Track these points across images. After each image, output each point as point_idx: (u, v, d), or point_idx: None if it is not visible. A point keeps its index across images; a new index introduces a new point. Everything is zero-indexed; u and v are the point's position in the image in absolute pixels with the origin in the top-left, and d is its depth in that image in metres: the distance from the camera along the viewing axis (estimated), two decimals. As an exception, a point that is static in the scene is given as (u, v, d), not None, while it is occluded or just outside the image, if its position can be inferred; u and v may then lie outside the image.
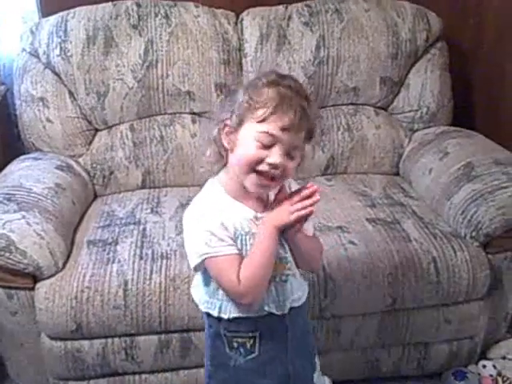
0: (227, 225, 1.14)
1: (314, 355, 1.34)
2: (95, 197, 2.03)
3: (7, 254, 1.53)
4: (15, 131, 2.13)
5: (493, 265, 1.67)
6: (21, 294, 1.59)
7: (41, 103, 1.98)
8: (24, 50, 2.01)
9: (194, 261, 1.17)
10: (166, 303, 1.55)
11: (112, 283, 1.56)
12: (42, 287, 1.57)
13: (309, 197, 1.13)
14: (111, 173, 2.02)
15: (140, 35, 1.98)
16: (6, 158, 1.98)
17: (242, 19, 2.06)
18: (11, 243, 1.53)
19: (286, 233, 1.17)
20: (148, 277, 1.56)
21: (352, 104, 2.11)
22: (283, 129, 1.10)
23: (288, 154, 1.12)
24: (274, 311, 1.19)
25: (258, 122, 1.10)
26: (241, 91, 1.15)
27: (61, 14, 2.00)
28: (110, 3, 2.01)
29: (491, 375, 1.72)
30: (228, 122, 1.15)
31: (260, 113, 1.10)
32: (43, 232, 1.60)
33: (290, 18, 2.04)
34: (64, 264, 1.62)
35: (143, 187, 2.04)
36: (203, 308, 1.23)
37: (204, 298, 1.23)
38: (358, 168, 2.10)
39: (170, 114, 2.05)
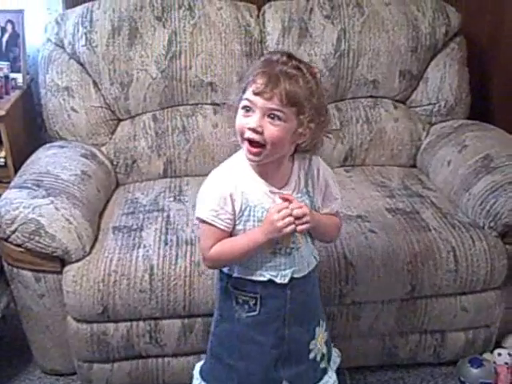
0: (236, 196, 1.23)
1: (316, 323, 1.37)
2: (117, 185, 2.06)
3: (37, 238, 1.58)
4: (38, 120, 2.18)
5: (510, 255, 1.69)
6: (48, 277, 1.64)
7: (66, 93, 2.02)
8: (49, 40, 2.04)
9: (196, 213, 1.29)
10: (190, 288, 1.59)
11: (138, 267, 1.60)
12: (70, 270, 1.61)
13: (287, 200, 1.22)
14: (134, 162, 2.05)
15: (164, 27, 2.01)
16: (30, 147, 2.02)
17: (264, 12, 2.09)
18: (41, 227, 1.58)
19: None
20: (173, 262, 1.60)
21: (371, 97, 2.12)
22: (255, 93, 1.16)
23: (267, 118, 1.16)
24: (274, 279, 1.27)
25: (243, 92, 1.20)
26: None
27: (86, 4, 2.04)
28: (134, -5, 2.04)
29: (506, 363, 1.74)
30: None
31: (244, 85, 1.20)
32: (71, 217, 1.64)
33: (311, 10, 2.06)
34: (91, 248, 1.66)
35: (165, 176, 2.07)
36: None
37: None
38: (376, 160, 2.12)
39: (192, 104, 2.07)
